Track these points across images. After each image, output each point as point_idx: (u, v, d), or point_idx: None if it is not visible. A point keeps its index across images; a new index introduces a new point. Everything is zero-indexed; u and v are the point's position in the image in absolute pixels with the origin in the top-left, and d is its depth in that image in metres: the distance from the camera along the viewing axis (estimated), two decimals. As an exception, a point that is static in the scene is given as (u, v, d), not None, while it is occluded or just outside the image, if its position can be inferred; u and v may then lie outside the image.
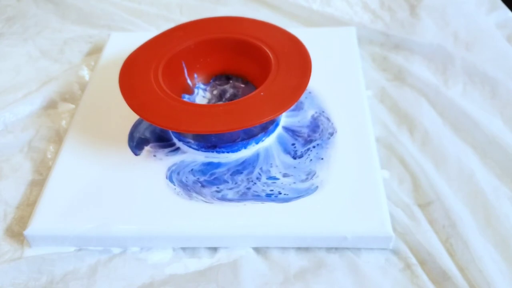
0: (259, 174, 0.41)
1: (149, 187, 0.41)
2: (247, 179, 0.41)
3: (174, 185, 0.41)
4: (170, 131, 0.45)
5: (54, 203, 0.40)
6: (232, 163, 0.42)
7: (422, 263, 0.37)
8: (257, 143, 0.43)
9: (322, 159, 0.42)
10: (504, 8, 0.58)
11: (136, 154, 0.43)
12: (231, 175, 0.41)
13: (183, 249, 0.39)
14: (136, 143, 0.44)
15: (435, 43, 0.54)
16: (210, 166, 0.42)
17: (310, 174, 0.41)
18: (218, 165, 0.42)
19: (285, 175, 0.41)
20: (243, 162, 0.42)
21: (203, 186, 0.41)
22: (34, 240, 0.39)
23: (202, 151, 0.43)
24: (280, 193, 0.40)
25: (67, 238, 0.39)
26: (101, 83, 0.51)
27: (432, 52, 0.54)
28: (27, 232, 0.39)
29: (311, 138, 0.44)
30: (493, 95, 0.48)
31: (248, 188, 0.40)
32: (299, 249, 0.39)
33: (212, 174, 0.42)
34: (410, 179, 0.43)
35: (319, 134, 0.44)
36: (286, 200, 0.39)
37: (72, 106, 0.51)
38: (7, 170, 0.45)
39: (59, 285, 0.37)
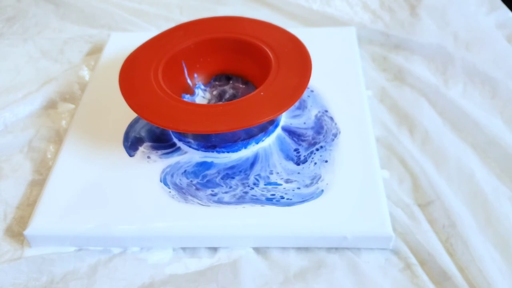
0: (257, 180, 0.41)
1: (145, 189, 0.41)
2: (242, 184, 0.41)
3: (169, 188, 0.41)
4: (170, 131, 0.45)
5: (54, 203, 0.40)
6: (221, 166, 0.42)
7: (422, 263, 0.37)
8: (257, 143, 0.43)
9: (326, 161, 0.42)
10: (504, 8, 0.58)
11: (130, 155, 0.43)
12: (221, 178, 0.41)
13: (183, 249, 0.39)
14: (131, 143, 0.44)
15: (435, 43, 0.54)
16: (202, 166, 0.42)
17: (316, 178, 0.40)
18: (210, 165, 0.42)
19: (287, 181, 0.41)
20: (232, 167, 0.42)
21: (197, 189, 0.41)
22: (34, 240, 0.39)
23: (202, 151, 0.43)
24: (283, 198, 0.39)
25: (67, 238, 0.39)
26: (101, 83, 0.51)
27: (432, 52, 0.54)
28: (27, 232, 0.39)
29: (315, 141, 0.44)
30: (493, 95, 0.48)
31: (245, 192, 0.40)
32: (299, 249, 0.39)
33: (204, 177, 0.41)
34: (410, 179, 0.43)
35: (323, 136, 0.44)
36: (289, 204, 0.39)
37: (72, 106, 0.51)
38: (7, 170, 0.45)
39: (59, 285, 0.37)
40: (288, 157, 0.43)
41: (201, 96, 0.49)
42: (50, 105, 0.51)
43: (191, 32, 0.49)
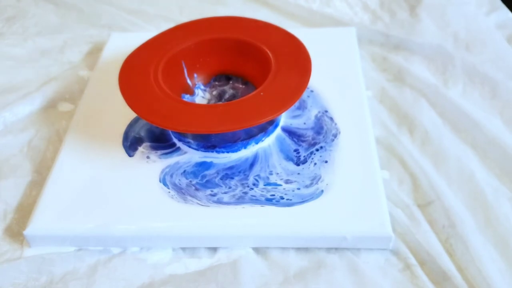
0: (256, 180, 0.41)
1: (145, 189, 0.41)
2: (242, 184, 0.41)
3: (168, 188, 0.41)
4: (169, 131, 0.45)
5: (53, 203, 0.40)
6: (220, 166, 0.42)
7: (421, 263, 0.37)
8: (256, 143, 0.43)
9: (326, 162, 0.42)
10: (504, 8, 0.58)
11: (130, 155, 0.43)
12: (221, 178, 0.41)
13: (183, 249, 0.39)
14: (130, 143, 0.44)
15: (435, 43, 0.54)
16: (201, 167, 0.42)
17: (315, 179, 0.40)
18: (209, 165, 0.42)
19: (287, 182, 0.41)
20: (231, 167, 0.42)
21: (197, 189, 0.40)
22: (34, 240, 0.39)
23: (201, 151, 0.43)
24: (283, 198, 0.39)
25: (67, 238, 0.39)
26: (101, 83, 0.51)
27: (432, 53, 0.54)
28: (27, 232, 0.39)
29: (315, 141, 0.44)
30: (493, 95, 0.48)
31: (245, 193, 0.40)
32: (299, 249, 0.39)
33: (203, 177, 0.41)
34: (410, 179, 0.43)
35: (323, 136, 0.44)
36: (289, 204, 0.39)
37: (72, 106, 0.51)
38: (6, 170, 0.45)
39: (59, 285, 0.37)
40: (288, 158, 0.43)
41: (201, 96, 0.49)
42: (50, 105, 0.51)
43: (191, 32, 0.49)
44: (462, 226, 0.38)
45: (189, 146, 0.43)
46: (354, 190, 0.39)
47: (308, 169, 0.41)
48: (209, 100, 0.49)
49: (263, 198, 0.39)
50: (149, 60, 0.46)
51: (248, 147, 0.43)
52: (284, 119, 0.46)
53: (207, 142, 0.43)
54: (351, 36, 0.54)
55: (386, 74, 0.53)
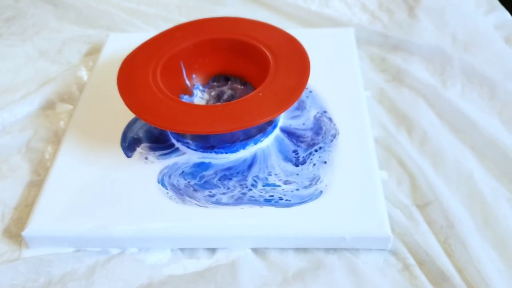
0: (255, 181, 0.41)
1: (143, 190, 0.41)
2: (240, 185, 0.41)
3: (167, 189, 0.40)
4: (168, 132, 0.45)
5: (52, 204, 0.40)
6: (219, 167, 0.42)
7: (420, 263, 0.37)
8: (255, 143, 0.43)
9: (325, 162, 0.42)
10: (502, 9, 0.58)
11: (128, 156, 0.43)
12: (219, 179, 0.41)
13: (182, 250, 0.39)
14: (129, 144, 0.44)
15: (434, 44, 0.54)
16: (200, 167, 0.42)
17: (314, 180, 0.40)
18: (208, 166, 0.42)
19: (286, 182, 0.41)
20: (229, 168, 0.42)
21: (195, 190, 0.40)
22: (32, 241, 0.39)
23: (200, 151, 0.43)
24: (282, 199, 0.39)
25: (65, 239, 0.39)
26: (99, 83, 0.51)
27: (430, 53, 0.54)
28: (25, 233, 0.39)
29: (314, 142, 0.44)
30: (491, 96, 0.49)
31: (244, 194, 0.40)
32: (297, 249, 0.39)
33: (201, 178, 0.41)
34: (408, 179, 0.43)
35: (322, 137, 0.44)
36: (288, 205, 0.39)
37: (71, 106, 0.51)
38: (5, 170, 0.45)
39: (57, 286, 0.37)
40: (287, 158, 0.43)
41: (200, 97, 0.49)
42: (49, 106, 0.51)
43: (190, 32, 0.49)
44: (460, 226, 0.38)
45: (188, 147, 0.43)
46: (353, 190, 0.39)
47: (307, 169, 0.41)
48: (207, 101, 0.49)
49: (262, 199, 0.39)
50: (147, 60, 0.46)
51: (247, 147, 0.43)
52: (283, 119, 0.46)
53: (206, 143, 0.43)
54: (349, 36, 0.54)
55: (385, 75, 0.53)
